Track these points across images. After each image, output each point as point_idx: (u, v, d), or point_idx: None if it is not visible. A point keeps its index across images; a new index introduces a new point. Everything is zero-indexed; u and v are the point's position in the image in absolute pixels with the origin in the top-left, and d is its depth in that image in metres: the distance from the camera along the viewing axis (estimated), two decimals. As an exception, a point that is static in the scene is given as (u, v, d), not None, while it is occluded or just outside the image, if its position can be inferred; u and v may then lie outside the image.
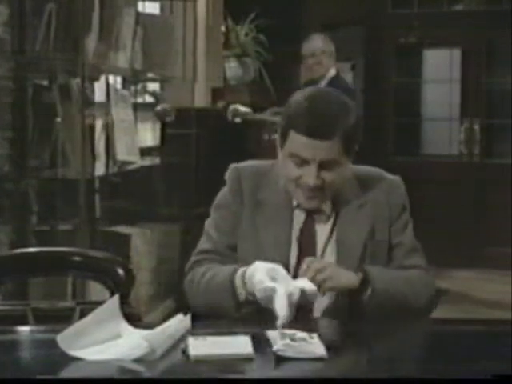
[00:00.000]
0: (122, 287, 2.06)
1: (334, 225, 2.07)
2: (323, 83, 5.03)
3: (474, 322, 2.35)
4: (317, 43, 5.12)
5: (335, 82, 5.08)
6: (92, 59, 3.56)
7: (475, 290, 5.75)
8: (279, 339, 1.60)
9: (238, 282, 1.93)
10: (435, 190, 6.61)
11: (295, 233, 2.07)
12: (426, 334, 1.93)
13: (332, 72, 5.11)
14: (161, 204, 4.77)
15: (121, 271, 2.10)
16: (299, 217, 2.08)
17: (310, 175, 1.96)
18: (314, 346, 1.59)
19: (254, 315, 1.93)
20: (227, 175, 2.14)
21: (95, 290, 3.23)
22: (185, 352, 1.59)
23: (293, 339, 1.59)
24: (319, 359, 1.56)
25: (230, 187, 2.13)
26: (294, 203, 2.08)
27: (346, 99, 2.05)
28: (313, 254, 2.03)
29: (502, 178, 6.40)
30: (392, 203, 2.10)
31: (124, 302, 1.85)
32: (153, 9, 4.78)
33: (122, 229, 4.20)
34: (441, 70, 7.00)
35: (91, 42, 3.56)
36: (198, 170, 4.86)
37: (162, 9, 4.88)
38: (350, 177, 2.10)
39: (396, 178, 2.15)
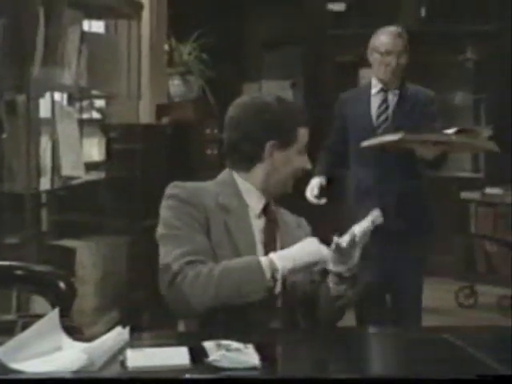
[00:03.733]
0: (63, 301, 2.05)
1: (280, 230, 2.16)
2: (397, 91, 3.77)
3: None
4: (406, 39, 3.82)
5: (415, 89, 3.82)
6: (37, 76, 3.52)
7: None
8: (215, 350, 1.60)
9: (264, 262, 1.97)
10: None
11: (259, 238, 2.12)
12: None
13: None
14: (107, 217, 4.73)
15: (62, 285, 2.09)
16: (259, 225, 2.14)
17: (307, 161, 2.22)
18: (248, 356, 1.59)
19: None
20: (169, 190, 2.11)
21: (41, 303, 3.19)
22: (123, 364, 1.58)
23: (228, 350, 1.59)
24: (253, 368, 1.56)
25: (183, 199, 2.09)
26: (256, 212, 2.14)
27: None
28: None
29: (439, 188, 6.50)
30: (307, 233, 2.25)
31: (65, 315, 1.83)
32: (98, 28, 4.76)
33: (68, 242, 4.15)
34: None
35: (37, 59, 3.53)
36: (144, 183, 4.83)
37: (107, 28, 4.86)
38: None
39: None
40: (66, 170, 3.81)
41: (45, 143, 3.79)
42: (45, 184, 3.75)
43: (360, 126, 3.80)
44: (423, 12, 6.96)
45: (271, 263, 1.96)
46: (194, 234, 2.05)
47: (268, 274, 1.95)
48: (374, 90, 3.81)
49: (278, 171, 2.15)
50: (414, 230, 3.75)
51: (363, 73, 7.19)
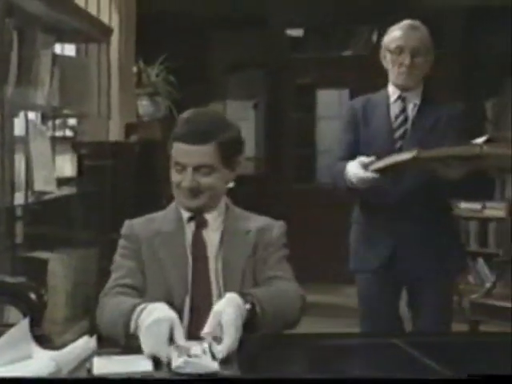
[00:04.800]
0: (34, 311, 2.03)
1: (221, 239, 2.09)
2: (418, 100, 2.93)
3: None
4: (424, 33, 2.93)
5: (440, 99, 2.99)
6: (12, 96, 3.49)
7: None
8: (177, 356, 1.59)
9: (135, 315, 1.85)
10: (328, 213, 6.71)
11: (189, 249, 2.08)
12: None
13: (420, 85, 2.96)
14: (78, 230, 4.70)
15: (33, 296, 2.07)
16: (189, 232, 2.10)
17: (186, 179, 2.04)
18: (207, 361, 1.58)
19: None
20: (122, 229, 2.16)
21: (15, 312, 3.15)
22: (90, 370, 1.57)
23: (189, 355, 1.58)
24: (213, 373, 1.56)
25: (124, 234, 2.14)
26: (184, 218, 2.10)
27: (225, 117, 2.18)
28: (205, 268, 2.05)
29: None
30: (274, 235, 2.13)
31: (36, 325, 1.82)
32: (69, 51, 4.75)
33: (41, 254, 4.12)
34: (332, 108, 7.17)
35: (11, 80, 3.50)
36: (113, 198, 4.81)
37: (77, 51, 4.85)
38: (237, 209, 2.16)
39: (281, 222, 2.18)
40: (38, 186, 3.78)
41: (19, 160, 3.76)
42: (19, 199, 3.72)
43: (375, 142, 2.91)
44: (375, 37, 7.03)
45: (138, 315, 1.83)
46: (124, 263, 2.09)
47: (131, 324, 1.83)
48: (391, 99, 2.96)
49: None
50: (431, 275, 2.88)
51: (321, 94, 7.28)
